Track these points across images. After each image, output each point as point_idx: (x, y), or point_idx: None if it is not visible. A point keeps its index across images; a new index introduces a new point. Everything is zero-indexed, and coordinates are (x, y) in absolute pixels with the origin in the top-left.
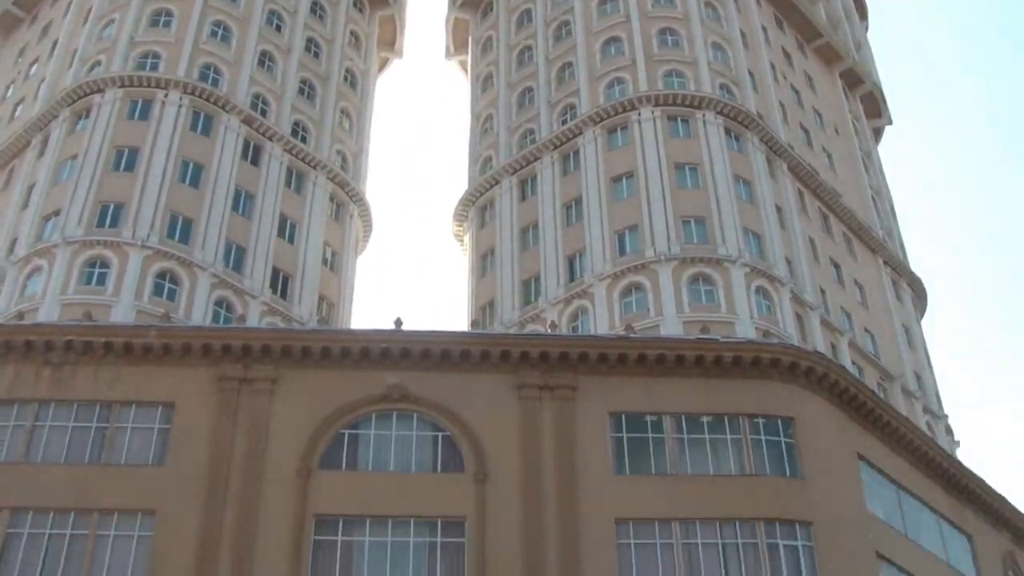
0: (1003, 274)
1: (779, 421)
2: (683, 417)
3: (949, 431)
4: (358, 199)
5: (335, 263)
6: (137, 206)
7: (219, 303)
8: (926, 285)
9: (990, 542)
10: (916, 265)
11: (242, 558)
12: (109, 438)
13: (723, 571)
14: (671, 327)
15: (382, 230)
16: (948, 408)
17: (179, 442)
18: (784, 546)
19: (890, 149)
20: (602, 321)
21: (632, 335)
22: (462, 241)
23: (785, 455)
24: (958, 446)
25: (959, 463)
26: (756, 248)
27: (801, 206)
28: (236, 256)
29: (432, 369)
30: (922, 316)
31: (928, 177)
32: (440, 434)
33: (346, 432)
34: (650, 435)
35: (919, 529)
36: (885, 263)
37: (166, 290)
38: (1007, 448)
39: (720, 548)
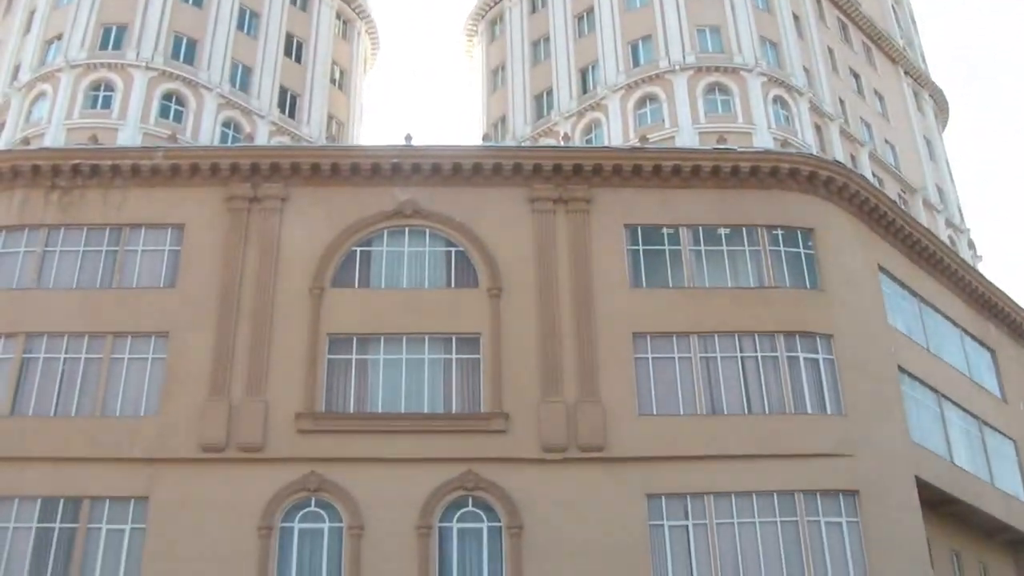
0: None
1: (798, 232)
2: (700, 228)
3: (971, 245)
4: (365, 16)
5: (343, 82)
6: (140, 27)
7: (226, 124)
8: (948, 98)
9: (1013, 357)
10: (938, 79)
11: (256, 379)
12: (120, 262)
13: (743, 384)
14: (687, 138)
15: (391, 48)
16: (970, 223)
17: (190, 264)
18: (804, 359)
19: None
20: (616, 133)
21: (647, 146)
22: (472, 57)
23: (805, 267)
24: (980, 261)
25: (981, 276)
26: (773, 57)
27: (819, 14)
28: (242, 76)
29: (444, 184)
30: (944, 128)
31: None
32: (453, 249)
33: (358, 250)
34: (667, 247)
35: (941, 343)
36: (906, 73)
37: (172, 112)
38: None
39: (739, 361)
